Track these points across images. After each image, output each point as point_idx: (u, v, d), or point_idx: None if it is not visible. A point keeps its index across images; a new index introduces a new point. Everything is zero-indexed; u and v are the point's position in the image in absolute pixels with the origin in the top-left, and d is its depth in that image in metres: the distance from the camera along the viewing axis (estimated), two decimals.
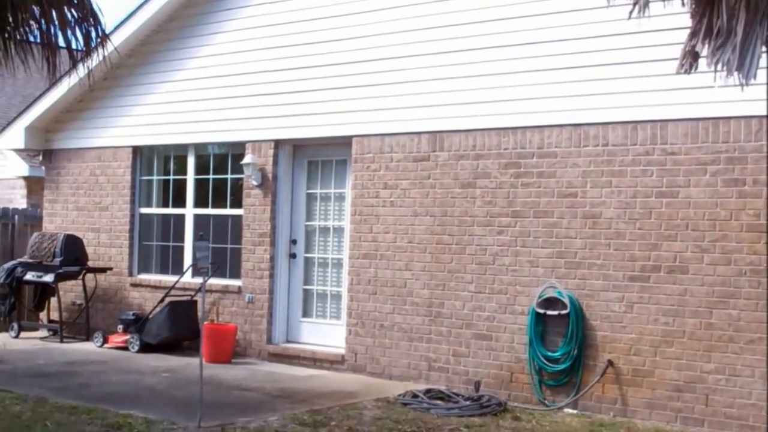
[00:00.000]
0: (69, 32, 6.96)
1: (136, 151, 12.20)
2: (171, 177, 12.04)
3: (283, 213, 10.75)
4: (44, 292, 12.42)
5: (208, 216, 11.54)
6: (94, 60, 7.29)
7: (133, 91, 11.98)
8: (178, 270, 11.59)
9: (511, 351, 8.78)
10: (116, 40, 10.95)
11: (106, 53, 7.25)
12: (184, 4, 11.44)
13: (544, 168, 8.65)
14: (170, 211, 11.98)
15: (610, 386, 8.19)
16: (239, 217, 11.06)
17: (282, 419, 7.37)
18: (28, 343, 11.61)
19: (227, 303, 11.02)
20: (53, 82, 10.38)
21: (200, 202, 11.65)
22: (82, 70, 7.33)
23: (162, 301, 11.07)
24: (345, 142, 10.12)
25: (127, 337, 11.14)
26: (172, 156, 12.06)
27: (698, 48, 5.19)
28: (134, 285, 12.06)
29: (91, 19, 6.95)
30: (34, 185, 15.87)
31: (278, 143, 10.70)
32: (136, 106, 11.95)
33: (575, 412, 8.22)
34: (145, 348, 10.91)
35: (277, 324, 10.71)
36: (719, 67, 5.00)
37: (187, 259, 11.56)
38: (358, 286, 9.90)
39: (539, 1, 8.70)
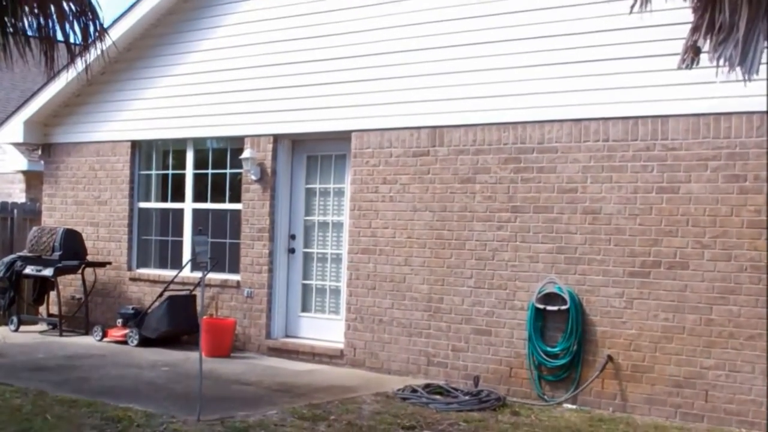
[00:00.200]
0: (67, 26, 6.94)
1: (135, 145, 12.18)
2: (170, 171, 12.02)
3: (282, 208, 10.74)
4: (43, 286, 12.41)
5: (207, 211, 11.53)
6: (93, 54, 7.27)
7: (131, 85, 11.96)
8: (177, 264, 11.58)
9: (510, 346, 8.77)
10: (114, 34, 10.91)
11: (104, 47, 7.23)
12: None
13: (544, 163, 8.63)
14: (169, 205, 11.96)
15: (609, 382, 8.19)
16: (238, 211, 11.04)
17: (281, 413, 7.37)
18: (27, 337, 11.61)
19: (226, 297, 11.02)
20: (51, 77, 10.33)
21: (199, 196, 11.64)
22: (80, 65, 7.31)
23: (161, 295, 11.07)
24: (344, 136, 10.10)
25: (127, 331, 11.14)
26: (171, 150, 12.04)
27: (700, 43, 5.18)
28: (133, 279, 12.05)
29: (89, 13, 6.93)
30: (32, 179, 15.87)
31: (277, 138, 10.68)
32: (134, 101, 11.93)
33: (574, 407, 8.22)
34: (144, 342, 10.91)
35: (276, 319, 10.71)
36: (721, 62, 4.99)
37: (186, 254, 11.55)
38: (357, 281, 9.89)
39: None
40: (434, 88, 9.33)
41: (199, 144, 11.68)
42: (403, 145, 9.59)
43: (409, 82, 9.50)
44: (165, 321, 10.87)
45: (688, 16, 5.37)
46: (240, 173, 11.02)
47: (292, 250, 10.76)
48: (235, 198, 11.16)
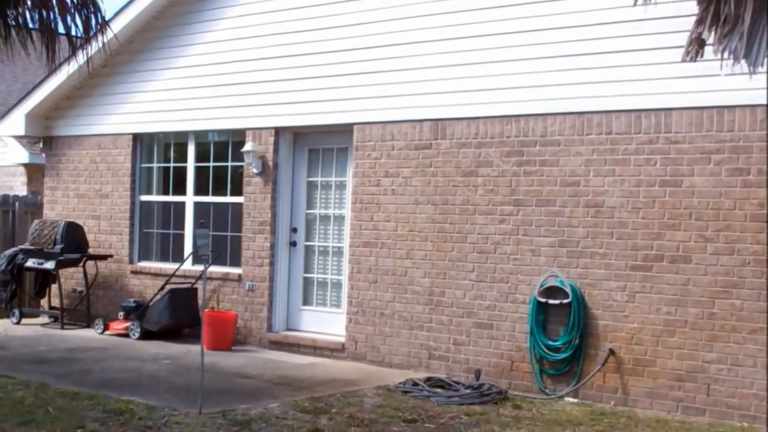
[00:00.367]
0: (68, 18, 6.94)
1: (137, 138, 12.16)
2: (171, 164, 12.00)
3: (284, 201, 10.72)
4: (45, 279, 12.40)
5: (208, 204, 11.51)
6: (94, 47, 7.26)
7: (133, 77, 11.93)
8: (179, 257, 11.57)
9: (512, 340, 8.76)
10: (116, 26, 10.92)
11: (105, 40, 7.23)
12: None
13: (546, 156, 8.61)
14: (170, 198, 11.95)
15: (611, 375, 8.18)
16: (239, 204, 11.03)
17: (283, 406, 7.37)
18: (29, 330, 11.61)
19: (227, 291, 11.01)
20: (53, 69, 10.29)
21: (200, 189, 11.62)
22: (81, 57, 7.31)
23: (162, 288, 11.06)
24: (346, 129, 10.08)
25: (128, 324, 11.14)
26: (173, 143, 12.02)
27: (705, 35, 5.16)
28: (135, 272, 12.04)
29: (91, 6, 6.93)
30: (34, 172, 15.88)
31: (279, 131, 10.66)
32: (136, 93, 11.91)
33: (576, 401, 8.21)
34: (146, 335, 10.91)
35: (278, 312, 10.70)
36: (726, 54, 4.97)
37: (188, 247, 11.54)
38: (358, 275, 9.88)
39: None
40: (436, 81, 9.30)
41: (200, 137, 11.66)
42: (405, 138, 9.57)
43: (412, 74, 9.47)
44: (166, 314, 10.86)
45: (693, 8, 5.35)
46: (241, 166, 11.00)
47: (293, 244, 10.75)
48: (237, 191, 11.14)
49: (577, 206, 8.42)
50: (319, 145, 10.62)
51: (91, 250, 12.10)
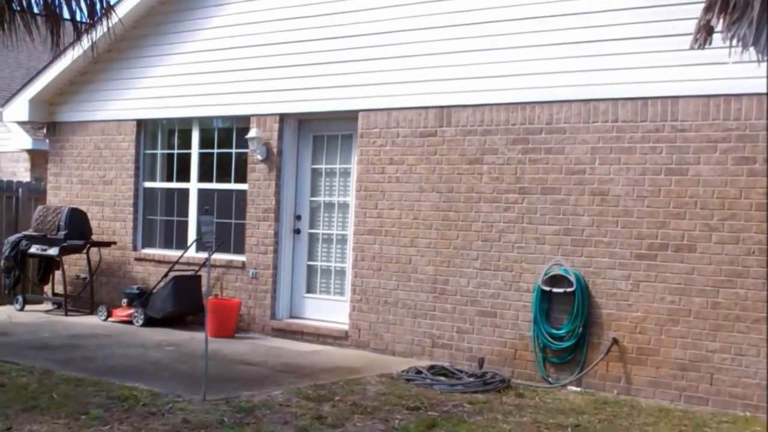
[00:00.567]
0: (73, 3, 6.91)
1: (140, 124, 12.14)
2: (175, 151, 11.98)
3: (288, 188, 10.70)
4: (49, 265, 12.40)
5: (212, 191, 11.50)
6: (99, 31, 7.23)
7: (137, 63, 11.90)
8: (182, 244, 11.57)
9: (515, 328, 8.75)
10: (121, 11, 10.91)
11: (110, 25, 7.20)
12: None
13: (552, 144, 8.58)
14: (174, 185, 11.93)
15: (614, 364, 8.17)
16: (244, 192, 11.01)
17: (286, 393, 7.37)
18: (32, 316, 11.62)
19: (231, 278, 11.01)
20: (57, 54, 10.30)
21: (204, 176, 11.60)
22: (86, 42, 7.27)
23: (166, 275, 11.05)
24: (351, 116, 10.05)
25: (132, 311, 11.14)
26: (177, 130, 12.00)
27: (713, 22, 5.12)
28: (138, 259, 12.04)
29: None
30: (37, 158, 15.86)
31: (283, 117, 10.63)
32: (140, 79, 11.88)
33: (579, 389, 8.20)
34: (149, 322, 10.91)
35: (281, 299, 10.70)
36: (734, 42, 4.93)
37: (191, 234, 11.54)
38: (362, 262, 9.87)
39: None
40: (442, 68, 9.26)
41: (204, 123, 11.63)
42: (411, 125, 9.54)
43: (417, 61, 9.43)
44: (170, 301, 10.86)
45: None
46: (246, 153, 10.98)
47: (297, 231, 10.74)
48: (241, 178, 11.12)
49: (583, 194, 8.39)
50: (323, 132, 10.59)
51: (94, 237, 12.10)
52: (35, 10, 7.02)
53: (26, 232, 12.24)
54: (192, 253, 11.33)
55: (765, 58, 4.83)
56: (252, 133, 10.67)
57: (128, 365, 8.44)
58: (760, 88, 7.17)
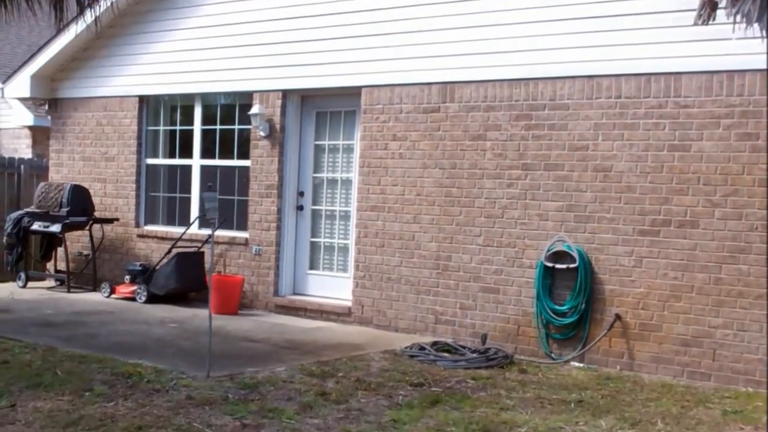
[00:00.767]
0: None
1: (143, 100, 12.10)
2: (178, 127, 11.95)
3: (291, 164, 10.69)
4: (51, 242, 12.41)
5: (215, 167, 11.48)
6: (102, 6, 7.20)
7: (139, 39, 11.85)
8: (185, 221, 11.57)
9: (518, 304, 8.77)
10: None
11: None
12: None
13: (555, 120, 8.56)
14: (177, 161, 11.92)
15: (617, 340, 8.19)
16: (246, 168, 11.00)
17: (290, 370, 7.40)
18: (35, 293, 11.65)
19: (234, 255, 11.02)
20: (60, 29, 10.23)
21: (207, 153, 11.58)
22: (89, 17, 7.25)
23: (169, 252, 11.06)
24: (354, 92, 10.02)
25: (135, 287, 11.16)
26: (179, 106, 11.96)
27: None
28: (141, 236, 12.05)
29: None
30: (38, 135, 15.85)
31: (286, 93, 10.60)
32: (142, 55, 11.83)
33: (582, 365, 8.23)
34: (152, 299, 10.94)
35: (284, 276, 10.71)
36: (738, 18, 4.91)
37: (194, 211, 11.54)
38: (365, 239, 9.88)
39: None
40: (445, 44, 9.22)
41: (207, 99, 11.59)
42: (414, 102, 9.51)
43: (420, 37, 9.39)
44: (173, 278, 10.88)
45: None
46: (248, 129, 10.95)
47: (300, 208, 10.74)
48: (244, 154, 11.10)
49: (586, 171, 8.38)
50: (326, 108, 10.56)
51: (97, 214, 12.11)
52: None
53: (28, 209, 12.24)
54: (195, 229, 11.34)
55: None
56: (255, 109, 10.64)
57: (132, 342, 8.47)
58: (764, 64, 7.14)
